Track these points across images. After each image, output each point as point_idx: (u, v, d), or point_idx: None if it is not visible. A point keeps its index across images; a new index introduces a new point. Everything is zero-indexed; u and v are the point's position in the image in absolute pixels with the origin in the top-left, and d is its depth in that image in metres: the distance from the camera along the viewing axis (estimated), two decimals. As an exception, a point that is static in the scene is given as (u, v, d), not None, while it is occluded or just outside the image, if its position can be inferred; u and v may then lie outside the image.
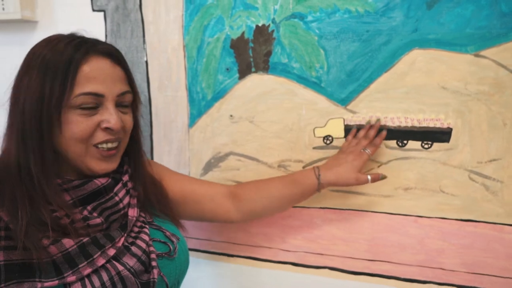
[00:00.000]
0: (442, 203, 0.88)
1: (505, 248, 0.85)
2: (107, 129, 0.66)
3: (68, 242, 0.61)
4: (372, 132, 0.87)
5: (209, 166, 1.03)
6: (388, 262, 0.93)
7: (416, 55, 0.84)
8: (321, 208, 0.96)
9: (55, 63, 0.61)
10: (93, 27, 1.06)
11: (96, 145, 0.66)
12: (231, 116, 0.98)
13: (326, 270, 0.97)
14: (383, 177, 0.85)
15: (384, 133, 0.88)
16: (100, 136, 0.66)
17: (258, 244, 1.02)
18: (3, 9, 1.07)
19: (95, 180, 0.67)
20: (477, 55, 0.81)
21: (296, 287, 1.00)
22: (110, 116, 0.65)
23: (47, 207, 0.61)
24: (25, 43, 0.67)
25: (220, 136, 1.00)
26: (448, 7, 0.81)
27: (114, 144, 0.68)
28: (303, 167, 0.95)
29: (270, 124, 0.96)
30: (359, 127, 0.90)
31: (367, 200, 0.93)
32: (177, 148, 1.05)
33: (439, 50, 0.83)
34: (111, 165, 0.69)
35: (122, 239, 0.67)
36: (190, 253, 1.06)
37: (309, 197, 0.89)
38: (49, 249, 0.59)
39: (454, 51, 0.82)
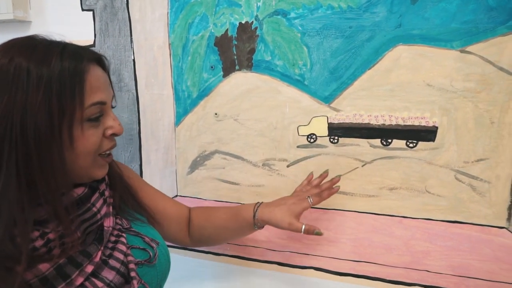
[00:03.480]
0: (427, 203, 0.85)
1: (493, 250, 0.82)
2: (111, 136, 0.64)
3: (44, 266, 0.58)
4: (326, 185, 0.85)
5: (195, 164, 1.03)
6: (374, 263, 0.91)
7: (401, 51, 0.82)
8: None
9: (58, 77, 0.56)
10: (83, 27, 1.07)
11: (101, 154, 0.64)
12: (216, 114, 0.98)
13: (312, 270, 0.96)
14: (318, 233, 0.77)
15: (336, 189, 0.85)
16: (106, 144, 0.64)
17: (244, 243, 1.02)
18: (-3, 9, 1.09)
19: (71, 192, 0.62)
20: (463, 51, 0.78)
21: (282, 287, 0.99)
22: (114, 122, 0.64)
23: (22, 229, 0.57)
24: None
25: (205, 134, 1.00)
26: (433, 1, 0.79)
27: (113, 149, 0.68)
28: (287, 166, 0.94)
29: (254, 122, 0.95)
30: (344, 125, 0.88)
31: (352, 200, 0.91)
32: (164, 146, 1.05)
33: (424, 46, 0.81)
34: (107, 168, 0.68)
35: (99, 253, 0.64)
36: (177, 251, 1.07)
37: (250, 232, 0.87)
38: (25, 275, 0.56)
39: (439, 47, 0.80)
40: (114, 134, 0.65)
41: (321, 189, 0.85)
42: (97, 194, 0.66)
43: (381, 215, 0.89)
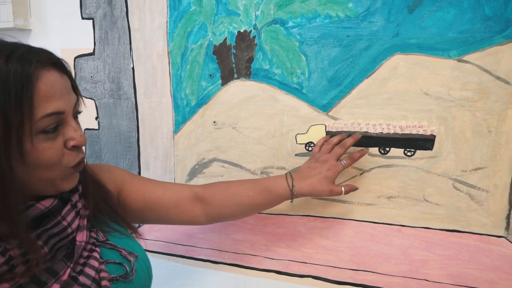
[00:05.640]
0: (426, 212, 0.85)
1: (492, 260, 0.82)
2: (74, 147, 0.58)
3: (2, 287, 0.53)
4: (349, 142, 0.84)
5: (194, 172, 1.03)
6: (372, 272, 0.90)
7: (398, 60, 0.82)
8: (304, 216, 0.95)
9: (3, 86, 0.50)
10: (83, 35, 1.08)
11: (72, 167, 0.59)
12: (214, 122, 0.98)
13: (310, 279, 0.95)
14: (355, 189, 0.84)
15: (365, 151, 0.85)
16: (73, 156, 0.59)
17: (243, 252, 1.01)
18: (-3, 17, 1.10)
19: (37, 205, 0.57)
20: (460, 60, 0.79)
21: (281, 295, 0.99)
22: (75, 133, 0.58)
23: None
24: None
25: (204, 142, 1.00)
26: (430, 11, 0.79)
27: (84, 157, 0.63)
28: (286, 174, 0.94)
29: (253, 130, 0.95)
30: (336, 134, 0.88)
31: (350, 209, 0.91)
32: (163, 154, 1.05)
33: (421, 55, 0.81)
34: (77, 178, 0.63)
35: (68, 270, 0.59)
36: (175, 259, 1.07)
37: (278, 203, 0.86)
38: None
39: (436, 56, 0.80)
40: (76, 146, 0.59)
41: (345, 147, 0.84)
42: (68, 206, 0.62)
43: (379, 223, 0.89)
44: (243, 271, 1.02)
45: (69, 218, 0.61)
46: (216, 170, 1.00)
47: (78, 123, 0.61)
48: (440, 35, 0.79)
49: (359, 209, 0.90)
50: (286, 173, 0.84)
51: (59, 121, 0.56)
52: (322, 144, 0.88)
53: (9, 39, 0.56)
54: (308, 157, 0.92)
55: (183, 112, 1.01)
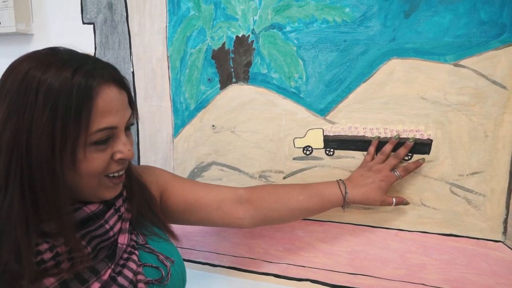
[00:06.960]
0: (423, 216, 0.85)
1: (489, 264, 0.82)
2: (120, 160, 0.62)
3: (48, 281, 0.58)
4: (403, 152, 0.82)
5: (193, 175, 1.03)
6: (370, 276, 0.90)
7: (395, 64, 0.83)
8: (302, 219, 0.95)
9: (65, 99, 0.54)
10: (84, 39, 1.09)
11: (107, 175, 0.62)
12: (213, 126, 0.99)
13: (308, 282, 0.96)
14: (406, 203, 0.84)
15: (421, 162, 0.82)
16: (114, 167, 0.62)
17: (241, 255, 1.02)
18: (0, 22, 1.12)
19: (84, 208, 0.62)
20: (456, 65, 0.79)
21: (279, 299, 0.99)
22: (124, 147, 0.61)
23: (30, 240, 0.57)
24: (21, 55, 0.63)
25: (202, 146, 1.01)
26: (426, 15, 0.79)
27: (124, 170, 0.66)
28: (284, 178, 0.94)
29: (251, 134, 0.95)
30: (339, 138, 0.88)
31: (348, 213, 0.91)
32: (162, 158, 1.06)
33: (417, 59, 0.81)
34: (119, 189, 0.67)
35: (109, 270, 0.63)
36: (174, 262, 1.07)
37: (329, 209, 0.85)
38: None
39: (432, 60, 0.80)
40: (123, 160, 0.62)
41: (399, 158, 0.82)
42: (111, 211, 0.65)
43: (377, 227, 0.89)
44: (242, 274, 1.02)
45: (111, 222, 0.65)
46: (215, 173, 1.01)
47: (129, 134, 0.66)
48: (436, 39, 0.79)
49: (357, 213, 0.90)
50: (337, 180, 0.84)
51: (111, 135, 0.60)
52: (374, 152, 0.85)
53: (80, 51, 0.61)
54: (306, 161, 0.92)
55: (182, 116, 1.02)
